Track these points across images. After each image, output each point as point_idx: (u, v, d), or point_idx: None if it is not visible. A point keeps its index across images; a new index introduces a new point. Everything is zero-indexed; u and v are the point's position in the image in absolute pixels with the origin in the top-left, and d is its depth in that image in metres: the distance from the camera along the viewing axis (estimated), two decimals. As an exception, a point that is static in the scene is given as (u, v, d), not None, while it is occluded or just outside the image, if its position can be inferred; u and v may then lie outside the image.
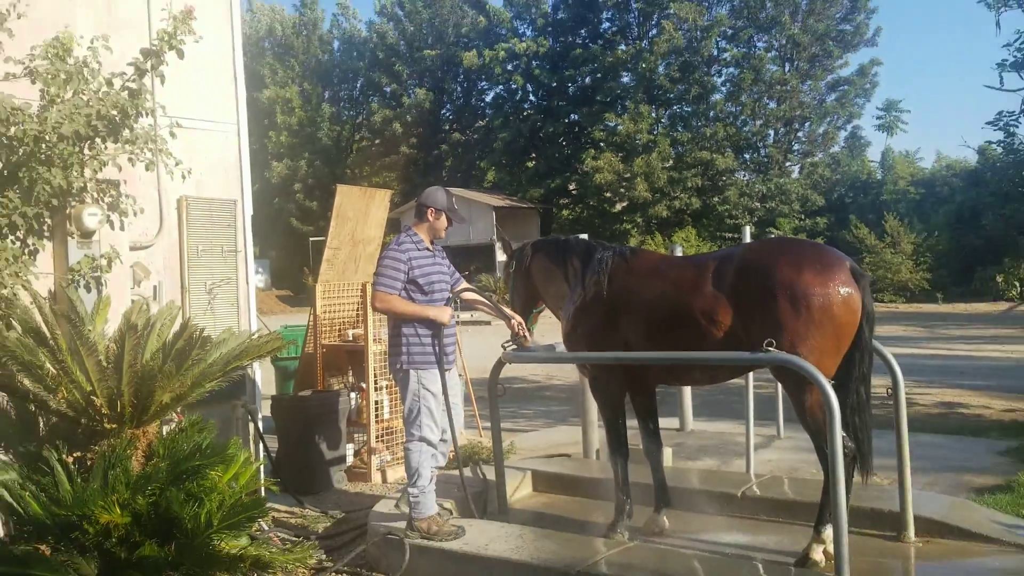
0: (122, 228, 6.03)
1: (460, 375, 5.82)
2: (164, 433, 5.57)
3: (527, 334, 5.95)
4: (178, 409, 5.79)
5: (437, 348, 5.49)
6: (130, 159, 5.57)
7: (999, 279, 33.39)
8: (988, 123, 10.87)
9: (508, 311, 6.01)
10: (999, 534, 5.46)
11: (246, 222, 6.98)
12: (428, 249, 5.65)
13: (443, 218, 5.69)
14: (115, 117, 5.43)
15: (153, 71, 5.59)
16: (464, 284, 5.97)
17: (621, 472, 5.83)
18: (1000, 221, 29.94)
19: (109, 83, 5.56)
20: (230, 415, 6.74)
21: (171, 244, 6.58)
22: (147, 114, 5.64)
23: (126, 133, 5.60)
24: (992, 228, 31.99)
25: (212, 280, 6.75)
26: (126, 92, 5.59)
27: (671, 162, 44.94)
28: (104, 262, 5.80)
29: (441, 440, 5.65)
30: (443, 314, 5.53)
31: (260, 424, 6.90)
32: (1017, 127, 10.63)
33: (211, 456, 5.30)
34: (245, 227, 6.98)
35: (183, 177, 6.28)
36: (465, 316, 31.70)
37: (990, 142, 12.22)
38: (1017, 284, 33.05)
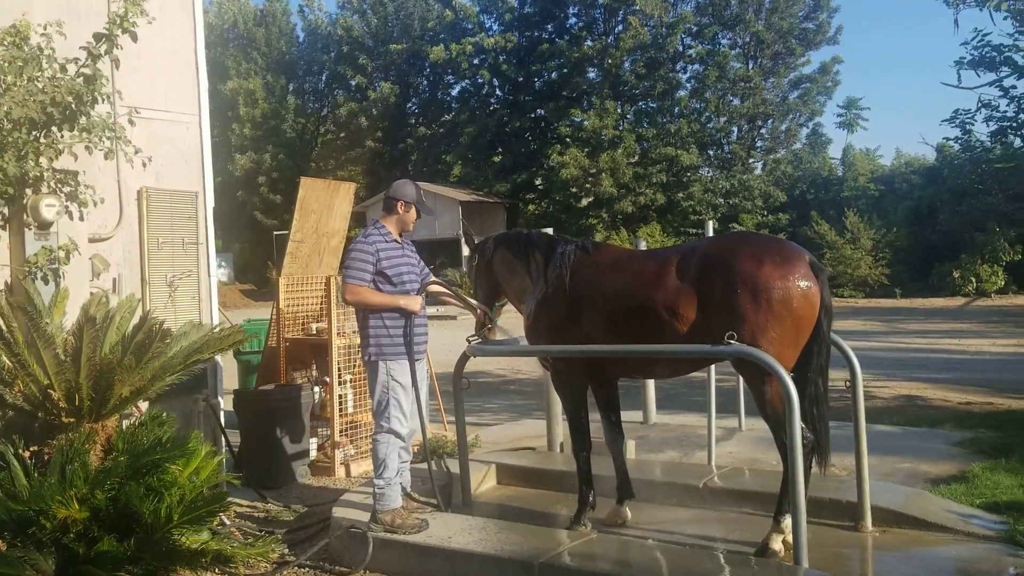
0: (81, 219, 5.95)
1: (426, 369, 5.83)
2: (124, 427, 5.52)
3: (494, 324, 5.99)
4: (138, 403, 5.74)
5: (407, 338, 5.51)
6: (87, 147, 5.48)
7: (956, 275, 33.96)
8: (945, 120, 11.05)
9: (474, 302, 6.07)
10: (954, 523, 5.57)
11: (208, 214, 6.92)
12: (396, 241, 5.67)
13: (412, 211, 5.71)
14: (70, 104, 5.35)
15: (107, 55, 5.50)
16: (432, 277, 5.98)
17: (584, 464, 5.85)
18: (957, 217, 30.50)
19: (63, 68, 5.48)
20: (192, 409, 6.68)
21: (131, 236, 6.50)
22: (103, 100, 5.55)
23: (83, 121, 5.52)
24: (949, 224, 32.56)
25: (173, 273, 6.68)
26: (81, 78, 5.50)
27: (636, 158, 45.15)
28: (62, 254, 5.72)
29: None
30: (414, 303, 5.56)
31: (222, 418, 6.84)
32: (973, 125, 10.83)
33: (172, 450, 5.25)
34: (207, 219, 6.92)
35: (143, 166, 6.22)
36: (431, 310, 31.53)
37: (947, 139, 12.46)
38: (973, 280, 33.64)
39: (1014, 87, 10.00)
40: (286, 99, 53.99)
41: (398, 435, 5.52)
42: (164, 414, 5.70)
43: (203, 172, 6.97)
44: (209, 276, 6.89)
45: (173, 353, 5.63)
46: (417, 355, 5.62)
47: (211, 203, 6.98)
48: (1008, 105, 10.26)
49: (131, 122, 6.41)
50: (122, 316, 5.75)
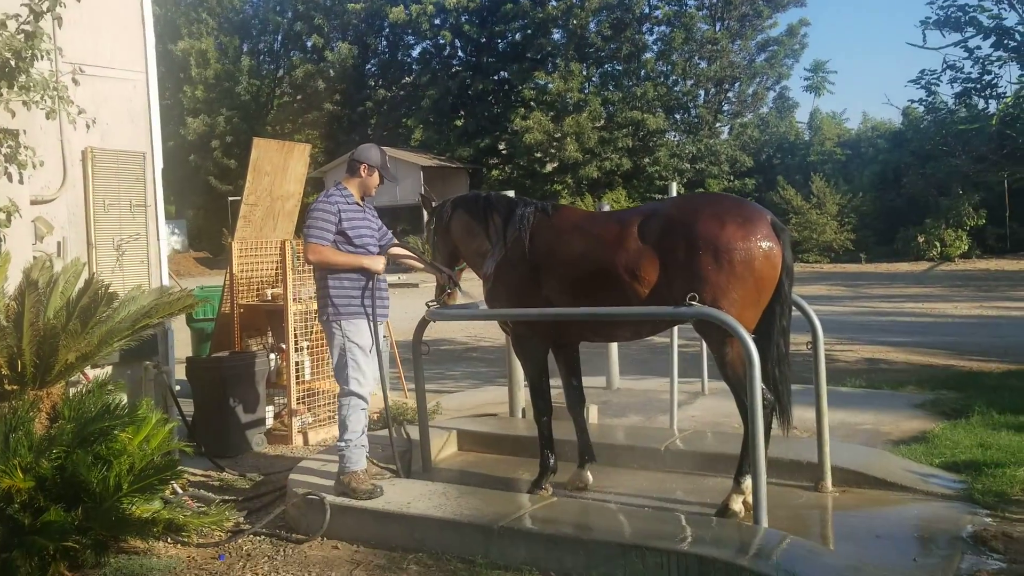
0: (21, 181, 5.74)
1: (385, 336, 5.73)
2: (71, 394, 5.36)
3: (456, 287, 5.90)
4: (85, 369, 5.58)
5: (367, 300, 5.42)
6: (25, 103, 5.25)
7: (920, 239, 34.31)
8: (911, 81, 11.03)
9: (438, 264, 5.97)
10: (913, 483, 5.60)
11: (156, 176, 6.69)
12: (358, 204, 5.54)
13: (375, 176, 5.58)
14: (8, 60, 5.11)
15: (50, 12, 5.27)
16: (394, 240, 5.87)
17: (545, 429, 5.79)
18: (921, 180, 30.76)
19: (3, 24, 5.24)
20: (142, 376, 6.51)
21: (76, 198, 6.27)
22: (42, 57, 5.31)
23: (22, 79, 5.29)
24: (913, 188, 32.83)
25: (121, 236, 6.47)
26: (22, 35, 5.27)
27: (602, 122, 44.93)
28: (2, 216, 5.51)
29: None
30: (377, 262, 5.46)
31: (174, 386, 6.68)
32: (939, 86, 10.81)
33: (120, 417, 5.13)
34: (155, 181, 6.69)
35: (87, 127, 5.98)
36: (392, 278, 31.44)
37: (912, 101, 12.48)
38: (937, 244, 34.01)
39: (978, 48, 9.99)
40: (240, 60, 52.71)
41: (358, 396, 5.39)
42: (113, 381, 5.54)
43: (151, 132, 6.72)
44: (158, 240, 6.67)
45: (120, 318, 5.47)
46: (381, 317, 5.52)
47: (160, 164, 6.74)
48: (972, 67, 10.26)
49: (75, 81, 6.17)
50: (67, 280, 5.56)
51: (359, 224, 5.48)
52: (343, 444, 5.36)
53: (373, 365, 5.49)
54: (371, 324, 5.46)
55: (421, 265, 6.14)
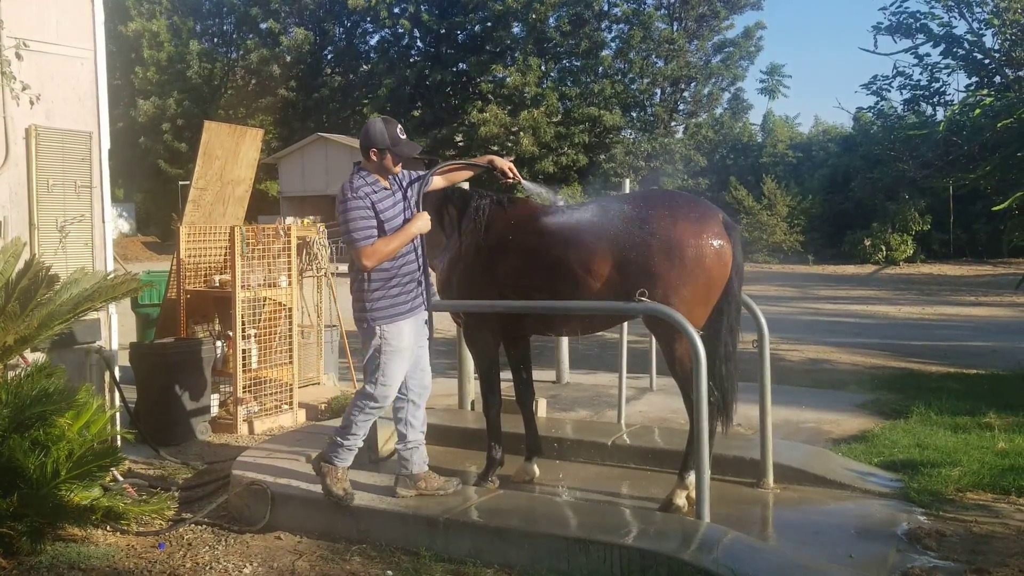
0: (-40, 157, 5.57)
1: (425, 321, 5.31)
2: (8, 378, 5.22)
3: (518, 175, 5.42)
4: (24, 353, 5.44)
5: (409, 295, 5.00)
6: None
7: (867, 243, 34.93)
8: (862, 86, 11.24)
9: (488, 156, 5.51)
10: (852, 481, 5.71)
11: (103, 156, 6.54)
12: (385, 187, 5.00)
13: (388, 158, 4.94)
14: (-52, 33, 4.96)
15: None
16: (429, 177, 5.29)
17: (494, 422, 5.79)
18: (869, 185, 31.32)
19: (-58, -3, 5.09)
20: (83, 361, 6.37)
21: (18, 177, 6.10)
22: (-17, 30, 5.16)
23: (-38, 53, 5.14)
24: (861, 192, 33.41)
25: (65, 217, 6.31)
26: (-37, 8, 5.13)
27: (559, 117, 45.00)
28: (-61, 193, 5.34)
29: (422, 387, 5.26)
30: (423, 222, 5.00)
31: (117, 371, 6.55)
32: (889, 92, 11.03)
33: (59, 403, 5.01)
34: (101, 161, 6.53)
35: (31, 103, 5.83)
36: (345, 267, 31.17)
37: (861, 107, 12.69)
38: (883, 248, 34.66)
39: (928, 55, 10.20)
40: (190, 42, 51.67)
41: (375, 401, 4.97)
42: (53, 365, 5.41)
43: (98, 112, 6.55)
44: (103, 222, 6.52)
45: (62, 301, 5.34)
46: (423, 308, 5.15)
47: (107, 145, 6.58)
48: (922, 74, 10.48)
49: (18, 55, 6.02)
50: (6, 261, 5.42)
51: (389, 208, 4.95)
52: (339, 440, 5.01)
53: (405, 368, 5.03)
54: (428, 315, 5.13)
55: (470, 172, 5.68)
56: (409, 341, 4.99)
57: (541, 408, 7.28)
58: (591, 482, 5.92)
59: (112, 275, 5.80)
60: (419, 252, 5.10)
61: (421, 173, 5.29)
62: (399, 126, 5.00)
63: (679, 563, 4.09)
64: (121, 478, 5.79)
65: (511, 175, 5.39)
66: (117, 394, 6.53)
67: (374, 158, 4.93)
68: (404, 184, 5.14)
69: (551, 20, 45.34)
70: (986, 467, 5.95)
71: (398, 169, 5.05)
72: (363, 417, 5.02)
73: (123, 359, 7.13)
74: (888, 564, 4.46)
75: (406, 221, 4.99)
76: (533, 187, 5.67)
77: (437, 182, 5.40)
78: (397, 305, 4.94)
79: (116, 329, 6.61)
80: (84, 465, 4.75)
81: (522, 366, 5.95)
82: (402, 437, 5.21)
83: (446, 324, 14.19)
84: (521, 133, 43.19)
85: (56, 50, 6.34)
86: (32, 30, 6.16)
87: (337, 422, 7.06)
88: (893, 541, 4.79)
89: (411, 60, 50.05)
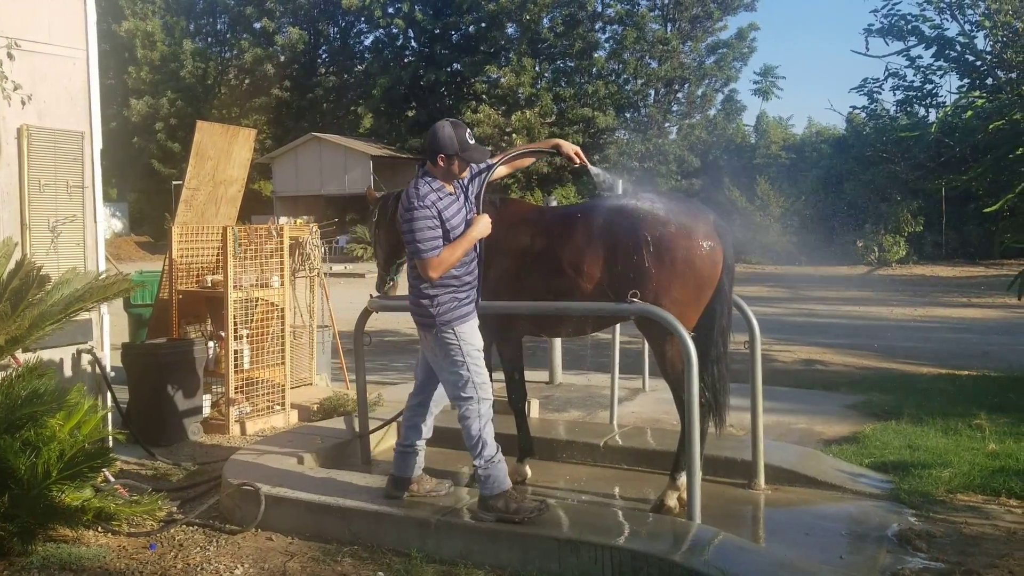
0: (-50, 157, 5.56)
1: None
2: (-1, 378, 5.21)
3: (584, 160, 5.27)
4: (15, 353, 5.43)
5: (472, 296, 4.85)
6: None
7: (859, 244, 35.01)
8: (854, 89, 11.26)
9: (554, 141, 5.34)
10: (843, 482, 5.73)
11: (95, 156, 6.52)
12: (451, 193, 4.79)
13: (456, 164, 4.73)
14: (-61, 33, 4.95)
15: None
16: (492, 168, 5.08)
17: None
18: (861, 186, 31.37)
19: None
20: (75, 362, 6.36)
21: (10, 176, 6.09)
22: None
23: (-46, 52, 5.12)
24: (854, 193, 33.46)
25: (56, 218, 6.30)
26: (-46, 7, 5.11)
27: (553, 118, 45.04)
28: (-70, 193, 5.32)
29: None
30: (484, 225, 4.82)
31: (109, 371, 6.54)
32: (881, 94, 11.06)
33: (51, 403, 5.00)
34: (94, 162, 6.52)
35: (23, 103, 5.81)
36: (338, 268, 31.16)
37: (854, 107, 12.74)
38: (876, 249, 34.74)
39: (920, 57, 10.23)
40: (183, 41, 51.49)
41: (486, 399, 4.79)
42: (44, 366, 5.40)
43: (90, 112, 6.54)
44: (96, 222, 6.50)
45: (53, 301, 5.33)
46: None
47: (99, 145, 6.57)
48: (914, 75, 10.51)
49: (10, 55, 6.01)
50: (-3, 261, 5.41)
51: (455, 215, 4.75)
52: (483, 463, 4.73)
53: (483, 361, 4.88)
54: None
55: (534, 158, 5.56)
56: (479, 335, 4.86)
57: (534, 409, 7.28)
58: (583, 483, 5.94)
59: (104, 275, 5.78)
60: (479, 253, 4.95)
61: (483, 165, 5.06)
62: (468, 130, 4.79)
63: (670, 564, 4.10)
64: (112, 479, 5.77)
65: (577, 160, 5.23)
66: (109, 394, 6.52)
67: (441, 164, 4.71)
68: (466, 182, 4.95)
69: (545, 21, 45.42)
70: (976, 468, 5.98)
71: (465, 175, 4.88)
72: (482, 423, 4.76)
73: (115, 359, 7.11)
74: (878, 565, 4.48)
75: (467, 224, 4.80)
76: (600, 173, 5.45)
77: (501, 171, 5.23)
78: (463, 305, 4.79)
79: (108, 329, 6.59)
80: (75, 466, 4.75)
81: (514, 367, 5.95)
82: (407, 440, 5.18)
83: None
84: (515, 134, 43.19)
85: (48, 50, 6.33)
86: (24, 29, 6.15)
87: (329, 423, 7.11)
88: (884, 542, 4.81)
89: (405, 60, 50.05)
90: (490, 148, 4.94)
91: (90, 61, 6.58)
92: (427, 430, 5.23)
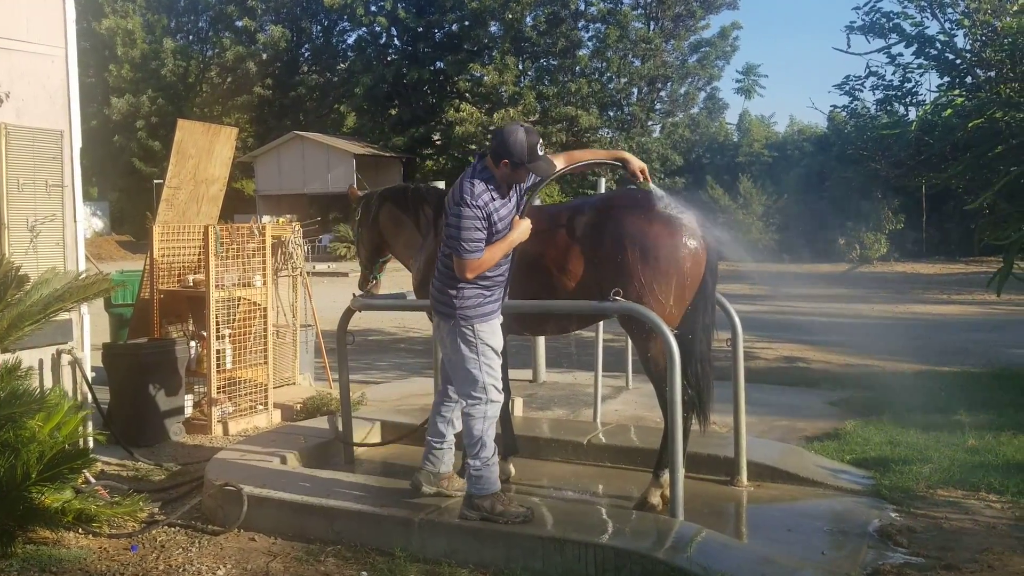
0: (-73, 156, 5.50)
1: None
2: (-23, 380, 5.16)
3: (648, 178, 5.05)
4: (-7, 354, 5.39)
5: (499, 295, 4.77)
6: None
7: (841, 241, 35.22)
8: (835, 86, 11.33)
9: (621, 154, 5.12)
10: (824, 478, 5.76)
11: (74, 155, 6.47)
12: (505, 196, 4.65)
13: (520, 172, 4.59)
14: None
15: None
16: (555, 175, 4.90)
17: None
18: (843, 184, 31.54)
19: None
20: (55, 362, 6.31)
21: (-13, 176, 6.04)
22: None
23: (-70, 50, 5.07)
24: (835, 191, 33.67)
25: (35, 217, 6.25)
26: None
27: (536, 116, 45.02)
28: (-94, 193, 5.27)
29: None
30: (523, 231, 4.70)
31: (89, 372, 6.49)
32: (862, 92, 11.12)
33: (30, 404, 4.98)
34: (73, 160, 6.47)
35: (0, 101, 5.75)
36: (322, 267, 31.06)
37: (834, 107, 12.81)
38: (857, 247, 34.95)
39: (900, 55, 10.29)
40: (164, 40, 51.10)
41: (497, 403, 4.74)
42: (24, 366, 5.36)
43: (69, 110, 6.49)
44: (75, 221, 6.46)
45: (32, 301, 5.30)
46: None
47: (78, 144, 6.53)
48: (894, 74, 10.57)
49: (-12, 53, 5.96)
50: (-25, 262, 5.36)
51: (505, 217, 4.62)
52: (478, 463, 4.65)
53: (499, 361, 4.80)
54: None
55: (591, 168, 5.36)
56: (501, 336, 4.80)
57: (517, 407, 7.28)
58: (567, 481, 5.94)
59: (84, 275, 5.74)
60: (511, 257, 4.82)
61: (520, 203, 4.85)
62: (540, 140, 4.59)
63: (653, 561, 4.11)
64: (93, 480, 5.74)
65: (641, 177, 5.03)
66: (89, 395, 6.47)
67: (505, 169, 4.54)
68: (523, 188, 4.82)
69: (528, 19, 45.34)
70: (956, 464, 6.03)
71: (527, 182, 4.75)
72: (486, 425, 4.68)
73: (96, 360, 7.07)
74: (860, 561, 4.50)
75: (508, 225, 4.66)
76: (662, 195, 5.20)
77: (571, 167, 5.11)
78: (488, 303, 4.70)
79: (88, 329, 6.55)
80: (55, 467, 4.70)
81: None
82: (440, 436, 5.07)
83: (423, 322, 14.19)
84: (498, 132, 43.12)
85: (26, 47, 6.28)
86: (1, 27, 6.09)
87: (312, 422, 7.08)
88: (865, 538, 4.83)
89: (388, 59, 49.83)
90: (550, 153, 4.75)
91: (69, 59, 6.53)
92: (458, 425, 5.06)
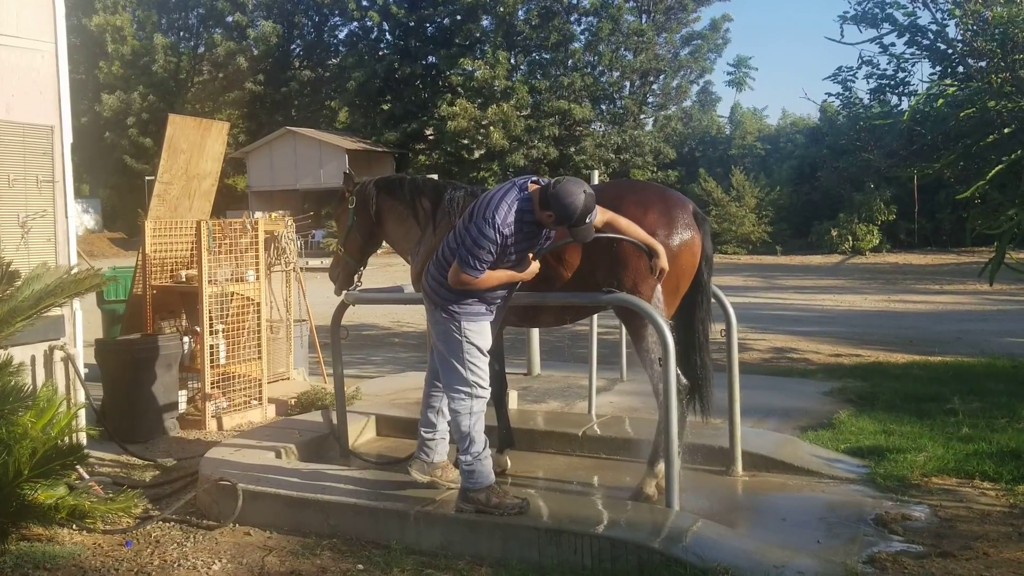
0: (-84, 152, 5.46)
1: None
2: (-32, 376, 5.13)
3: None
4: (-15, 350, 5.35)
5: (496, 302, 4.79)
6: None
7: (833, 233, 35.30)
8: (827, 78, 11.29)
9: (655, 245, 4.74)
10: (819, 467, 5.78)
11: (65, 150, 6.43)
12: (532, 230, 4.56)
13: (560, 229, 4.57)
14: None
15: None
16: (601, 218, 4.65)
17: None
18: (835, 174, 31.59)
19: None
20: (48, 358, 6.28)
21: (-23, 172, 6.00)
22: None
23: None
24: (827, 182, 33.67)
25: (26, 213, 6.21)
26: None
27: (528, 110, 44.98)
28: None
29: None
30: (530, 270, 4.70)
31: (82, 368, 6.46)
32: (855, 82, 11.10)
33: (22, 400, 4.96)
34: (64, 156, 6.43)
35: (-11, 97, 5.70)
36: (315, 262, 30.94)
37: (828, 94, 12.80)
38: (850, 238, 35.04)
39: (893, 45, 10.27)
40: (154, 36, 50.91)
41: (483, 399, 4.76)
42: (15, 362, 5.33)
43: (59, 105, 6.44)
44: (67, 217, 6.42)
45: (23, 297, 5.26)
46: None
47: (69, 139, 6.48)
48: (888, 63, 10.54)
49: (-24, 48, 5.91)
50: (-35, 258, 5.33)
51: (520, 251, 4.59)
52: (469, 458, 4.67)
53: (487, 357, 4.79)
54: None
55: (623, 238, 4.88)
56: (489, 336, 4.81)
57: (512, 400, 7.27)
58: (562, 472, 5.95)
59: (75, 270, 5.71)
60: (512, 287, 4.82)
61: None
62: (595, 209, 4.46)
63: (649, 551, 4.12)
64: (87, 476, 5.70)
65: (656, 272, 4.74)
66: (82, 391, 6.45)
67: (547, 218, 4.43)
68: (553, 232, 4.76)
69: (520, 13, 45.33)
70: (950, 452, 6.04)
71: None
72: (472, 420, 4.71)
73: (89, 356, 7.04)
74: (855, 549, 4.51)
75: (527, 252, 4.64)
76: None
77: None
78: (480, 309, 4.71)
79: (81, 325, 6.51)
80: (48, 463, 4.69)
81: (495, 358, 5.92)
82: (431, 426, 5.17)
83: (417, 316, 14.18)
84: (491, 127, 43.10)
85: (16, 43, 6.23)
86: (-11, 22, 6.05)
87: (307, 417, 7.07)
88: (860, 526, 4.84)
89: (380, 53, 49.68)
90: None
91: (59, 54, 6.48)
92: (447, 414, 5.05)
